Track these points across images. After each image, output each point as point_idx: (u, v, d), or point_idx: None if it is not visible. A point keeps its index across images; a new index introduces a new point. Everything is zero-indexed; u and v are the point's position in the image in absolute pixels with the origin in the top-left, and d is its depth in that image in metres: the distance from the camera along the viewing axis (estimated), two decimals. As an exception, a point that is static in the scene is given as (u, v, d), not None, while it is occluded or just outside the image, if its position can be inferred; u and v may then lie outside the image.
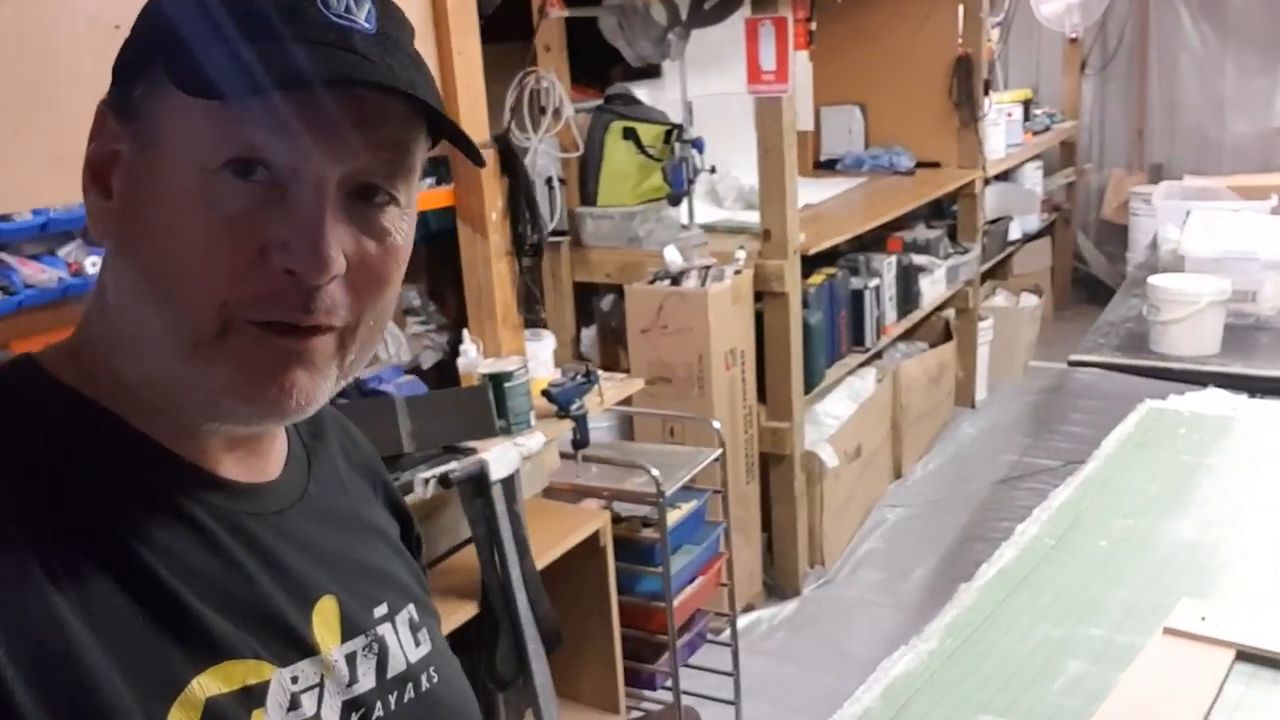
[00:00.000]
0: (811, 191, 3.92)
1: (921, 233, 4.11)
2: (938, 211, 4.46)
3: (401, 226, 0.61)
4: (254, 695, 0.58)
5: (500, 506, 1.58)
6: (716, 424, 2.18)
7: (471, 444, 1.69)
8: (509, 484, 1.61)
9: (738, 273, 2.81)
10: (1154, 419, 2.35)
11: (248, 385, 0.58)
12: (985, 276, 5.06)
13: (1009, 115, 4.82)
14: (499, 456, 1.61)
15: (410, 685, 0.69)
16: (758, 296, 2.91)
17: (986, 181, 4.47)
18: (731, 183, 3.66)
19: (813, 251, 3.11)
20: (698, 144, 3.05)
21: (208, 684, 0.56)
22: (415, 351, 3.28)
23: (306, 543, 0.66)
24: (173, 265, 0.56)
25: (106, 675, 0.52)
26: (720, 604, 2.25)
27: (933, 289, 3.92)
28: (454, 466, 1.56)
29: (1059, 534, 1.86)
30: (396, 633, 0.70)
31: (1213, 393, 2.49)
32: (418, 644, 0.71)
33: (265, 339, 0.57)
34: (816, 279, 3.21)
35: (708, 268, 2.78)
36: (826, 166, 4.58)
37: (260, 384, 0.58)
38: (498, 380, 1.78)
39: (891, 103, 4.51)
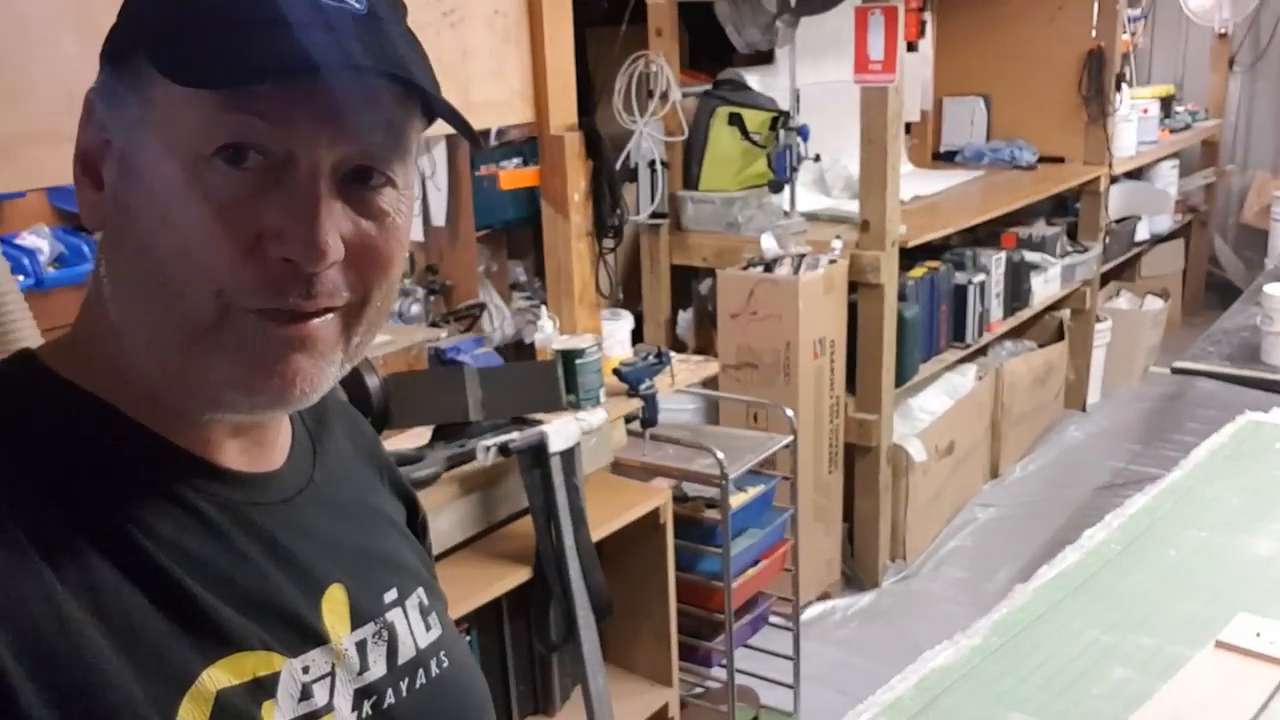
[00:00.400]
0: (925, 183, 3.87)
1: (1039, 229, 4.01)
2: (1061, 208, 4.34)
3: (400, 207, 0.60)
4: (264, 687, 0.58)
5: (558, 478, 1.64)
6: (790, 412, 2.19)
7: (538, 416, 1.75)
8: (568, 456, 1.67)
9: (832, 262, 2.80)
10: (1251, 431, 2.26)
11: (249, 375, 0.57)
12: (1109, 277, 4.90)
13: (1144, 111, 4.65)
14: (559, 429, 1.66)
15: (421, 670, 0.69)
16: (853, 287, 2.89)
17: (1113, 179, 4.32)
18: (840, 172, 3.64)
19: (914, 244, 3.08)
20: (802, 132, 3.05)
21: (218, 676, 0.56)
22: (519, 325, 3.37)
23: (313, 531, 0.66)
24: (167, 256, 0.55)
25: (116, 671, 0.52)
26: (787, 589, 2.27)
27: (1045, 288, 3.82)
28: (515, 436, 1.63)
29: (1128, 540, 1.82)
30: (407, 618, 0.69)
31: (1321, 409, 2.38)
32: (428, 628, 0.71)
33: (264, 327, 0.56)
34: (918, 272, 3.18)
35: (802, 256, 2.78)
36: (946, 158, 4.49)
37: (262, 373, 0.57)
38: (569, 357, 1.84)
39: (1017, 95, 4.39)
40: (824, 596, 2.98)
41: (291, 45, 0.54)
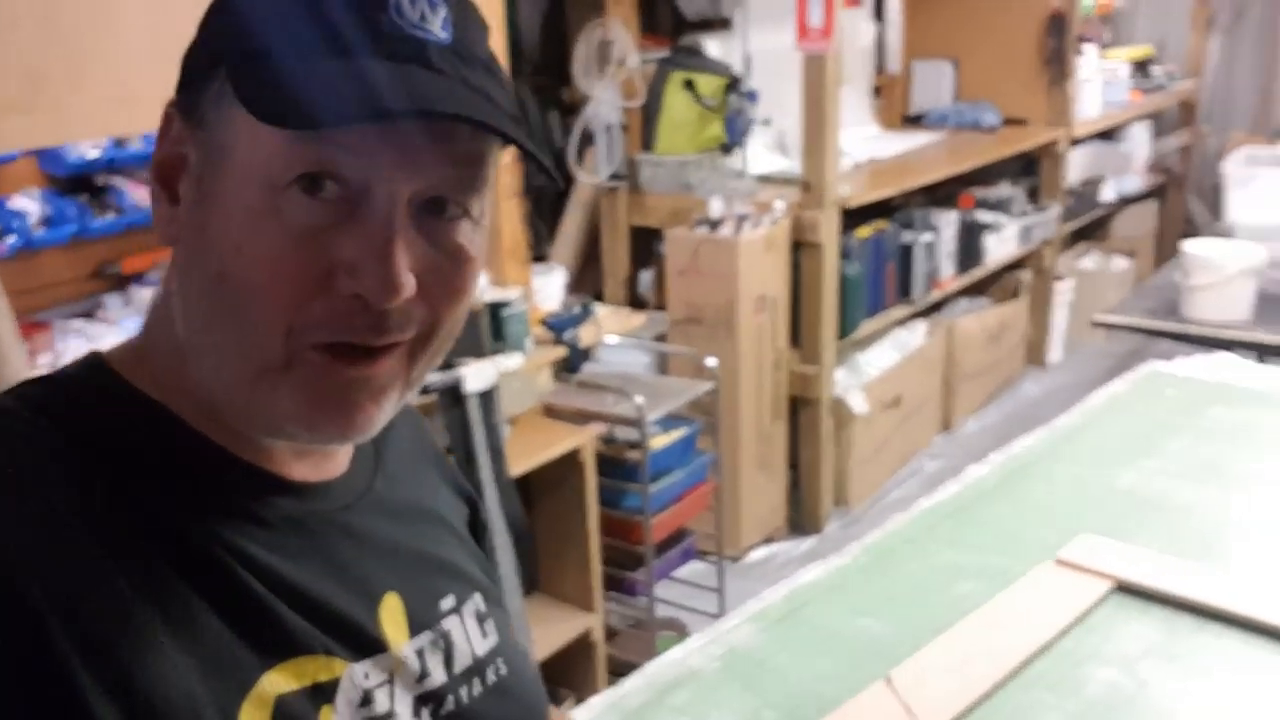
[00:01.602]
0: (888, 145, 3.99)
1: (1000, 190, 4.13)
2: (1027, 169, 4.45)
3: (475, 239, 0.60)
4: (324, 692, 0.58)
5: (475, 415, 1.80)
6: (712, 361, 2.34)
7: (461, 360, 1.91)
8: (487, 397, 1.83)
9: (775, 223, 2.94)
10: (1150, 379, 2.40)
11: (313, 414, 0.57)
12: (1080, 237, 5.01)
13: (1112, 73, 4.73)
14: (476, 372, 1.82)
15: (478, 678, 0.69)
16: (797, 246, 3.03)
17: (1077, 141, 4.43)
18: (796, 134, 3.77)
19: (864, 204, 3.21)
20: (751, 96, 3.18)
21: (277, 681, 0.56)
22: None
23: (371, 538, 0.66)
24: (239, 283, 0.55)
25: (179, 671, 0.52)
26: (726, 533, 2.43)
27: (1001, 247, 3.94)
28: (432, 378, 1.79)
29: (1004, 475, 1.97)
30: (464, 625, 0.70)
31: (1221, 357, 2.51)
32: (485, 635, 0.71)
33: (331, 367, 0.57)
34: (864, 231, 3.31)
35: (745, 216, 2.93)
36: (915, 120, 4.60)
37: (325, 412, 0.57)
38: (495, 308, 2.00)
39: (983, 58, 4.49)
40: (768, 540, 3.14)
41: (375, 84, 0.54)
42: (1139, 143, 5.05)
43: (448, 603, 0.69)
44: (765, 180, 3.34)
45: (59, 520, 0.52)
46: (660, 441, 2.19)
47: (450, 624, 0.68)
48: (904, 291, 3.46)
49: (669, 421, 2.24)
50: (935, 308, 3.80)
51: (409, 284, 0.55)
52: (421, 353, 0.60)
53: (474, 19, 0.61)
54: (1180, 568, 1.56)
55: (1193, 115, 5.70)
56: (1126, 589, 1.54)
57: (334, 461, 0.66)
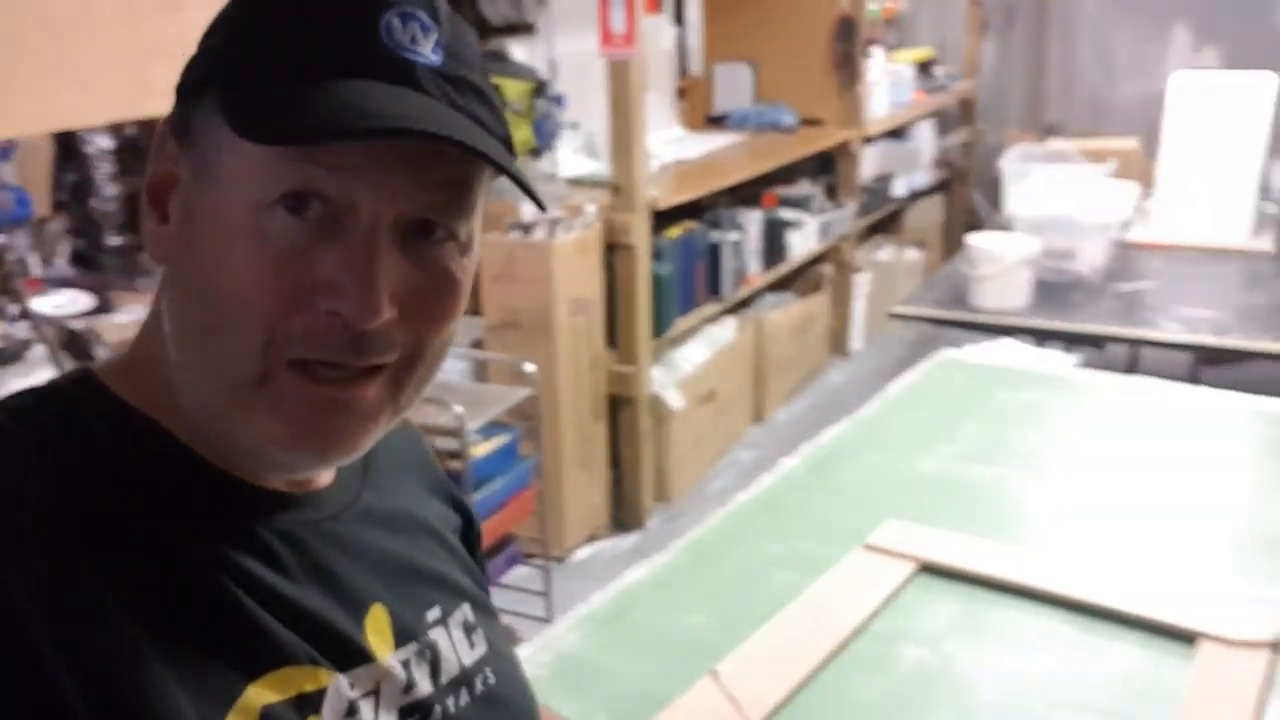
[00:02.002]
0: (693, 146, 4.09)
1: (801, 189, 4.29)
2: (825, 168, 4.64)
3: (462, 264, 0.60)
4: (309, 702, 0.58)
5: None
6: (530, 367, 2.35)
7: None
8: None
9: (587, 226, 2.97)
10: (942, 367, 2.55)
11: (290, 433, 0.57)
12: (875, 231, 5.26)
13: (899, 75, 4.99)
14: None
15: (465, 688, 0.69)
16: (610, 248, 3.08)
17: (869, 140, 4.65)
18: (607, 138, 3.82)
19: (672, 205, 3.29)
20: (559, 100, 3.20)
21: (263, 692, 0.55)
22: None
23: (358, 549, 0.66)
24: (220, 298, 0.55)
25: (163, 685, 0.52)
26: (551, 534, 2.45)
27: (803, 243, 4.10)
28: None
29: (815, 465, 2.06)
30: (450, 636, 0.69)
31: (1004, 343, 2.70)
32: (472, 645, 0.71)
33: (307, 387, 0.56)
34: (674, 232, 3.39)
35: (557, 220, 2.95)
36: (717, 121, 4.73)
37: (302, 433, 0.57)
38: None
39: (780, 61, 4.66)
40: (592, 538, 3.18)
41: (362, 105, 0.53)
42: (925, 140, 5.34)
43: (434, 614, 0.69)
44: (576, 183, 3.37)
45: (44, 533, 0.53)
46: (481, 449, 2.19)
47: (437, 635, 0.68)
48: (714, 289, 3.56)
49: (489, 429, 2.25)
50: (744, 304, 3.92)
51: (388, 307, 0.55)
52: (408, 377, 0.59)
53: (467, 42, 0.60)
54: (977, 546, 1.68)
55: (972, 113, 6.08)
56: (930, 569, 1.65)
57: (318, 472, 0.65)
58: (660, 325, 3.22)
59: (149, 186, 0.60)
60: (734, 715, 1.33)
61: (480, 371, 3.02)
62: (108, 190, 2.74)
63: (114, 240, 2.79)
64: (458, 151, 0.55)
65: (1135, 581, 1.57)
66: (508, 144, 0.60)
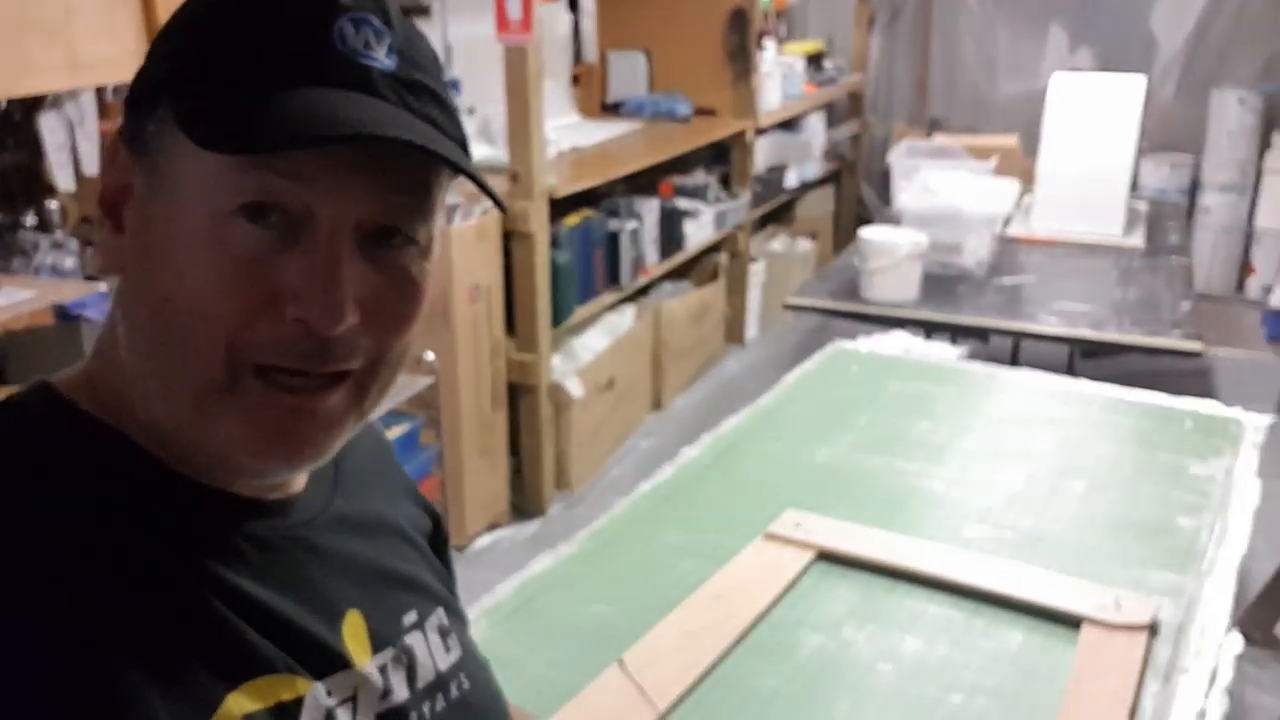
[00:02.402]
0: (589, 134, 4.09)
1: (697, 178, 4.33)
2: (720, 157, 4.69)
3: (422, 267, 0.60)
4: (287, 711, 0.58)
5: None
6: (430, 355, 2.34)
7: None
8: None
9: (485, 213, 2.95)
10: (835, 358, 2.62)
11: (255, 441, 0.57)
12: (768, 221, 5.34)
13: (790, 67, 5.07)
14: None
15: (441, 694, 0.69)
16: (508, 236, 3.06)
17: (761, 131, 4.71)
18: (502, 123, 3.79)
19: (572, 193, 3.28)
20: (455, 85, 3.17)
21: (242, 701, 0.55)
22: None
23: (332, 555, 0.65)
24: (181, 309, 0.55)
25: (142, 695, 0.51)
26: (453, 523, 2.44)
27: (699, 233, 4.14)
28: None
29: (715, 455, 2.10)
30: (426, 641, 0.70)
31: (896, 335, 2.78)
32: (447, 650, 0.71)
33: (273, 395, 0.56)
34: (572, 220, 3.39)
35: (455, 206, 2.92)
36: (613, 109, 4.74)
37: (268, 441, 0.57)
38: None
39: (673, 50, 4.68)
40: (493, 526, 3.17)
41: (320, 112, 0.53)
42: (815, 132, 5.44)
43: (410, 618, 0.69)
44: (473, 169, 3.34)
45: (15, 549, 0.52)
46: (382, 440, 2.17)
47: (413, 640, 0.68)
48: (612, 278, 3.57)
49: (389, 418, 2.22)
50: (642, 292, 3.95)
51: (352, 312, 0.55)
52: (371, 382, 0.60)
53: (421, 47, 0.60)
54: (873, 535, 1.74)
55: (860, 107, 6.21)
56: (828, 557, 1.70)
57: (292, 480, 0.65)
58: (559, 313, 3.22)
59: (102, 197, 0.59)
60: (641, 704, 1.35)
61: (376, 359, 2.97)
62: (-23, 169, 2.62)
63: (-9, 220, 2.68)
64: (417, 156, 0.55)
65: (1022, 568, 1.64)
66: (464, 145, 0.61)
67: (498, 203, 0.63)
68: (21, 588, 0.51)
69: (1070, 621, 1.51)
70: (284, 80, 0.54)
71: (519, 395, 3.20)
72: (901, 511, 1.85)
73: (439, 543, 0.80)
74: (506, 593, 1.63)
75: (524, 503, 3.28)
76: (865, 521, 1.79)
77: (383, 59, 0.57)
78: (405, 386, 2.24)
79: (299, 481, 0.66)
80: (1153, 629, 1.49)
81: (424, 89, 0.58)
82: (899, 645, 1.48)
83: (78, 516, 0.55)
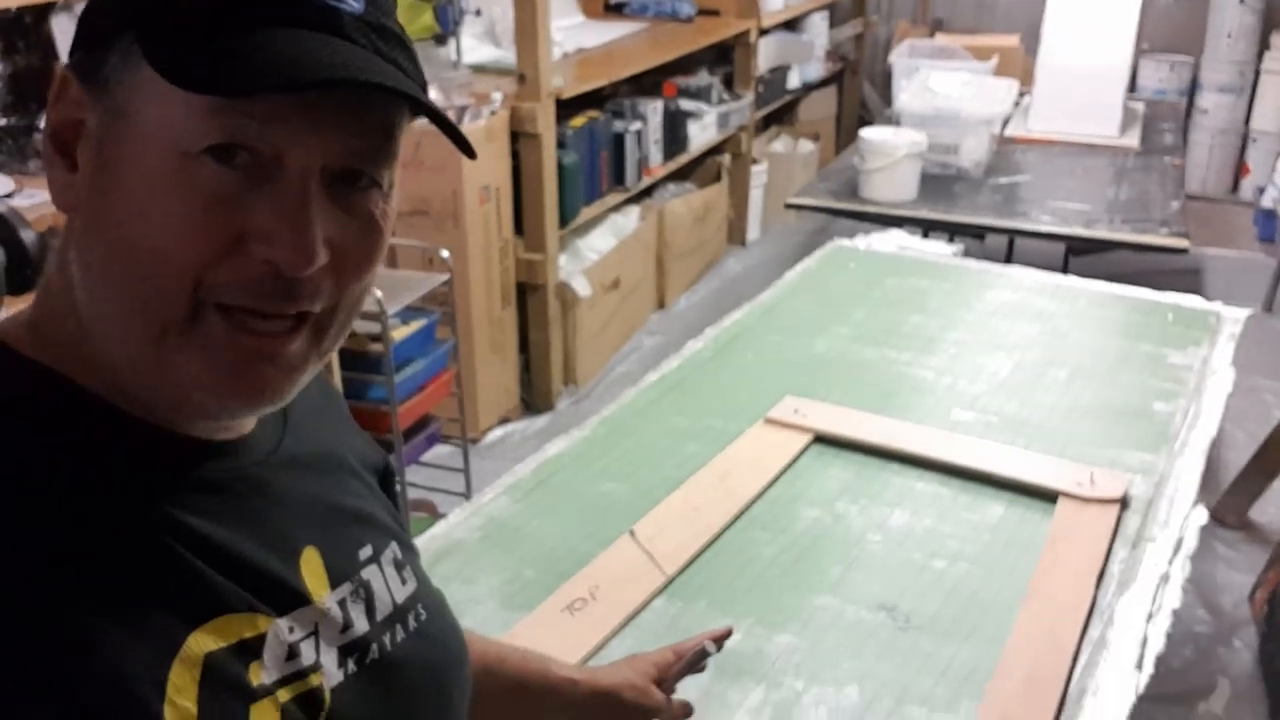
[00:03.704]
0: (593, 34, 4.11)
1: (700, 79, 4.35)
2: (722, 58, 4.70)
3: (385, 209, 0.60)
4: (250, 648, 0.58)
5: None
6: (445, 253, 2.42)
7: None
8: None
9: (493, 114, 3.01)
10: (834, 254, 2.71)
11: (216, 380, 0.56)
12: (770, 122, 5.36)
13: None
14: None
15: (400, 625, 0.70)
16: (515, 137, 3.12)
17: (764, 31, 4.71)
18: (508, 24, 3.81)
19: (577, 94, 3.33)
20: (462, -13, 3.20)
21: (204, 640, 0.55)
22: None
23: (286, 494, 0.66)
24: (145, 248, 0.54)
25: (102, 639, 0.51)
26: (467, 416, 2.56)
27: (702, 134, 4.19)
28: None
29: (719, 347, 2.21)
30: (383, 573, 0.70)
31: (893, 233, 2.86)
32: (403, 582, 0.72)
33: (234, 335, 0.56)
34: (578, 121, 3.44)
35: (465, 108, 2.98)
36: (616, 9, 4.73)
37: (229, 381, 0.57)
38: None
39: (677, -52, 4.65)
40: (504, 420, 3.30)
41: (296, 55, 0.53)
42: (818, 32, 5.42)
43: (366, 552, 0.70)
44: (480, 70, 3.38)
45: None
46: (401, 333, 2.27)
47: (369, 573, 0.69)
48: (618, 179, 3.64)
49: (406, 313, 2.32)
50: (646, 193, 4.01)
51: (322, 253, 0.56)
52: (330, 324, 0.60)
53: None
54: (866, 419, 1.85)
55: (863, 5, 6.16)
56: (824, 440, 1.82)
57: (242, 420, 0.65)
58: (566, 214, 3.30)
59: (52, 133, 0.58)
60: (651, 568, 1.48)
61: (389, 259, 3.06)
62: (-9, 71, 2.67)
63: (1, 121, 2.72)
64: (383, 99, 0.56)
65: (1005, 448, 1.76)
66: (424, 89, 0.61)
67: (466, 147, 0.63)
68: None
69: (1048, 496, 1.63)
70: (258, 20, 0.54)
71: (527, 294, 3.29)
72: (894, 398, 1.97)
73: (388, 479, 0.82)
74: (525, 472, 1.75)
75: (533, 398, 3.40)
76: (859, 407, 1.90)
77: (352, 2, 0.56)
78: (422, 283, 2.33)
79: (249, 422, 0.65)
80: (1124, 502, 1.61)
81: (390, 33, 0.59)
82: (888, 518, 1.60)
83: (26, 464, 0.54)
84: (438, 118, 0.58)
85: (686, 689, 1.23)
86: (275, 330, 0.57)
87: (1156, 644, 1.33)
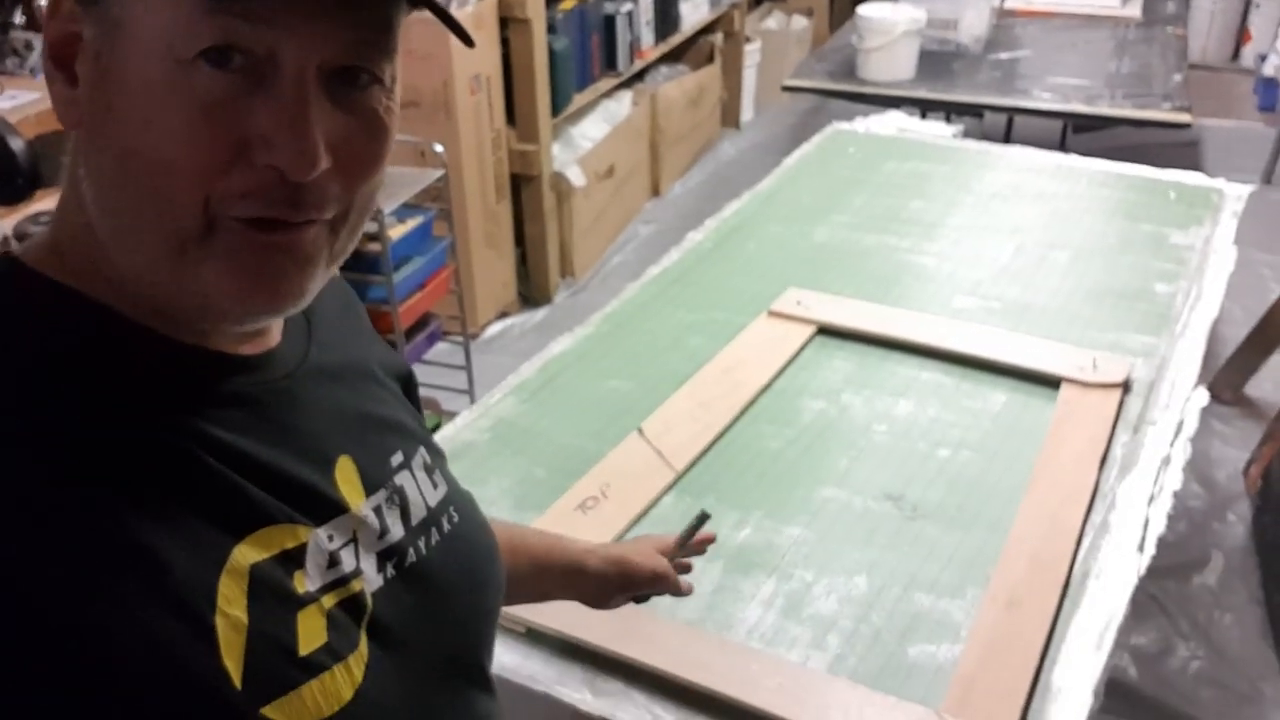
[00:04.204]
0: (579, -88, 3.97)
1: (687, -45, 4.23)
2: (714, -68, 4.55)
3: (388, 105, 0.59)
4: (293, 558, 0.59)
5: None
6: (439, 147, 2.38)
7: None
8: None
9: (481, 0, 2.93)
10: (833, 139, 2.67)
11: (238, 284, 0.56)
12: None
13: None
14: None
15: (434, 528, 0.71)
16: (505, 24, 3.04)
17: (757, -98, 4.56)
18: (491, -97, 3.68)
19: (564, -23, 3.24)
20: None
21: (248, 552, 0.56)
22: None
23: (316, 404, 0.66)
24: (150, 160, 0.53)
25: (154, 551, 0.53)
26: (466, 312, 2.55)
27: (694, 12, 4.08)
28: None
29: (719, 239, 2.20)
30: (415, 479, 0.71)
31: (892, 115, 2.82)
32: (435, 486, 0.73)
33: (252, 236, 0.55)
34: (568, 4, 3.34)
35: (450, -5, 2.89)
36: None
37: (251, 281, 0.56)
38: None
39: None
40: (503, 315, 3.29)
41: None
42: (813, -100, 5.24)
43: (397, 459, 0.71)
44: (464, -46, 3.28)
45: (8, 430, 0.53)
46: (398, 232, 2.25)
47: (402, 479, 0.70)
48: (609, 63, 3.56)
49: (402, 211, 2.29)
50: (638, 77, 3.93)
51: (323, 155, 0.54)
52: (341, 226, 0.59)
53: None
54: (869, 309, 1.86)
55: None
56: (828, 331, 1.82)
57: (268, 334, 0.65)
58: (558, 102, 3.24)
59: (50, 48, 0.57)
60: (660, 465, 1.50)
61: (380, 153, 3.01)
62: (-36, -30, 2.58)
63: (-21, 22, 2.65)
64: None
65: (1007, 335, 1.77)
66: None
67: (464, 36, 0.61)
68: (13, 460, 0.52)
69: (1050, 382, 1.65)
70: None
71: (521, 186, 3.25)
72: (895, 286, 1.97)
73: (411, 387, 0.82)
74: (530, 372, 1.76)
75: (530, 291, 3.39)
76: (862, 297, 1.91)
77: None
78: (417, 179, 2.30)
79: (274, 335, 0.66)
80: (1126, 386, 1.63)
81: None
82: (892, 408, 1.62)
83: (54, 385, 0.55)
84: (436, 8, 0.57)
85: (700, 582, 1.27)
86: (288, 230, 0.57)
87: (1157, 526, 1.36)
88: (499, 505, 1.45)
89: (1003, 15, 3.57)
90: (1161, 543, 1.34)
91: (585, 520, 1.38)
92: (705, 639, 1.19)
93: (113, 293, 0.58)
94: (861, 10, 3.03)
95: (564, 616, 1.18)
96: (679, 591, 1.03)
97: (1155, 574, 2.22)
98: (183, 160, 0.53)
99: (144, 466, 0.55)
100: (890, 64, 3.00)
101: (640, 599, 1.03)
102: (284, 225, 0.56)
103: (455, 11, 2.84)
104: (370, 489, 0.67)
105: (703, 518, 1.04)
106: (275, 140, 0.53)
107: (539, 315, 3.33)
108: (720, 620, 1.23)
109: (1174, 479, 1.43)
